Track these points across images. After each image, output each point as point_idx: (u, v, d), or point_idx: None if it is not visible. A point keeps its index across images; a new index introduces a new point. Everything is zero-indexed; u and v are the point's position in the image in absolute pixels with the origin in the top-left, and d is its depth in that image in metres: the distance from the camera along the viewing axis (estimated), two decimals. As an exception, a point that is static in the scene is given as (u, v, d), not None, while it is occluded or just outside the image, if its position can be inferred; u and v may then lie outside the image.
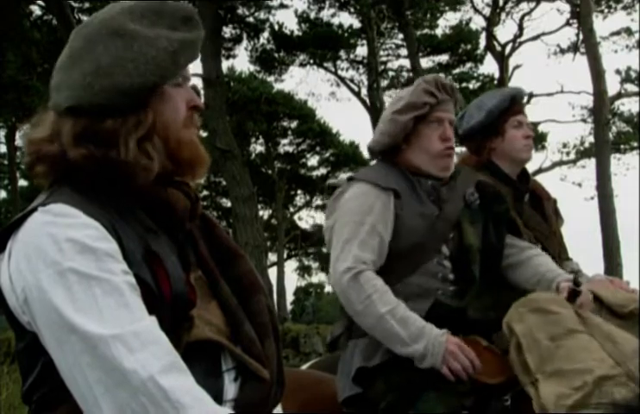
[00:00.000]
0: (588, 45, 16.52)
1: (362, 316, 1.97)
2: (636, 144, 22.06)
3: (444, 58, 24.72)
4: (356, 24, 22.87)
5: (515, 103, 2.68)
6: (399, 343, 1.92)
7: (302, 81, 42.77)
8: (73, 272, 1.08)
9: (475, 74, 24.86)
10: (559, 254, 2.67)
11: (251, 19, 21.51)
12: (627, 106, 22.60)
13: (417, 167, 2.19)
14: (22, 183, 23.61)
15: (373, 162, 2.39)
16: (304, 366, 2.79)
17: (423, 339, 1.90)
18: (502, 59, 21.69)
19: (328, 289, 37.83)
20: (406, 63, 22.95)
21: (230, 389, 1.23)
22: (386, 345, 1.95)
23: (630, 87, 21.68)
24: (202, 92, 13.80)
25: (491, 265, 2.17)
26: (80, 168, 1.19)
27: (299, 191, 30.75)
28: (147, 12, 1.25)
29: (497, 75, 22.13)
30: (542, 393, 1.74)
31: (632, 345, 1.80)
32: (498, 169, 2.66)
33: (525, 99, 2.78)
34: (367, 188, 2.12)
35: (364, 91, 23.63)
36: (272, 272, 26.18)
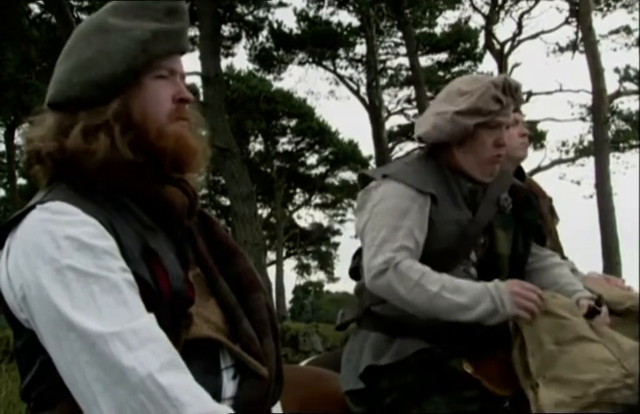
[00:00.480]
0: (587, 43, 16.52)
1: (414, 304, 1.91)
2: (635, 142, 22.06)
3: (443, 56, 24.74)
4: (355, 22, 22.88)
5: None
6: (464, 311, 1.87)
7: (301, 79, 42.81)
8: (71, 270, 1.08)
9: (474, 73, 24.84)
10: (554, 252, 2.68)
11: (250, 17, 21.50)
12: (626, 104, 22.65)
13: (462, 169, 2.11)
14: (21, 181, 23.61)
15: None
16: (303, 363, 2.79)
17: (486, 296, 1.86)
18: (501, 58, 21.69)
19: (327, 287, 37.87)
20: (405, 61, 22.96)
21: (229, 387, 1.23)
22: (449, 318, 1.89)
23: (629, 85, 21.69)
24: (200, 91, 13.81)
25: (515, 274, 2.11)
26: (55, 161, 1.21)
27: (298, 190, 30.75)
28: (132, 7, 1.27)
29: (496, 73, 22.12)
30: (541, 398, 1.74)
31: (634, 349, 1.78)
32: None
33: (524, 97, 2.77)
34: (403, 189, 2.02)
35: (363, 90, 23.63)
36: (271, 271, 26.22)
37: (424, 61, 23.43)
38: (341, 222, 32.33)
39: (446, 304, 1.88)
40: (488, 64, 37.14)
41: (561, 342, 1.81)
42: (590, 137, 20.97)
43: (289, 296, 32.47)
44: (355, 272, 2.23)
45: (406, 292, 1.90)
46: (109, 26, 1.25)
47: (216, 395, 1.18)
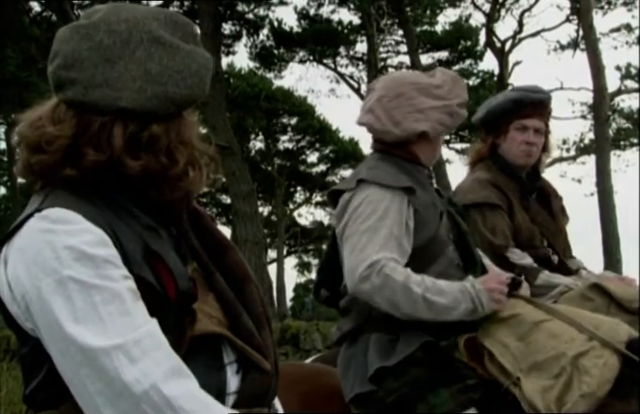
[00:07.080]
0: (588, 41, 16.49)
1: (399, 307, 1.95)
2: (636, 141, 22.02)
3: (444, 54, 24.66)
4: (356, 21, 22.83)
5: (521, 106, 2.62)
6: (446, 312, 1.94)
7: (301, 78, 42.44)
8: (72, 281, 1.07)
9: (475, 71, 24.80)
10: (564, 251, 2.67)
11: (251, 15, 21.46)
12: (627, 102, 22.57)
13: (419, 159, 2.21)
14: (22, 180, 23.55)
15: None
16: (307, 361, 2.78)
17: (466, 296, 1.94)
18: (502, 56, 21.63)
19: (327, 286, 37.69)
20: (406, 59, 22.90)
21: (233, 382, 1.24)
22: (432, 319, 1.95)
23: (630, 83, 21.64)
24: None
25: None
26: (135, 179, 1.18)
27: (299, 188, 30.70)
28: (168, 20, 1.25)
29: (497, 71, 22.10)
30: (526, 390, 1.76)
31: (604, 319, 1.86)
32: (506, 163, 2.66)
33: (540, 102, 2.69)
34: (379, 191, 2.06)
35: (364, 88, 23.59)
36: (272, 269, 26.19)
37: (425, 59, 23.36)
38: (342, 220, 32.16)
39: (429, 306, 1.94)
40: (489, 62, 37.15)
41: (523, 336, 1.86)
42: (591, 135, 20.93)
43: (290, 294, 32.43)
44: (319, 288, 2.31)
45: (391, 295, 1.93)
46: (169, 42, 1.21)
47: (221, 390, 1.19)
